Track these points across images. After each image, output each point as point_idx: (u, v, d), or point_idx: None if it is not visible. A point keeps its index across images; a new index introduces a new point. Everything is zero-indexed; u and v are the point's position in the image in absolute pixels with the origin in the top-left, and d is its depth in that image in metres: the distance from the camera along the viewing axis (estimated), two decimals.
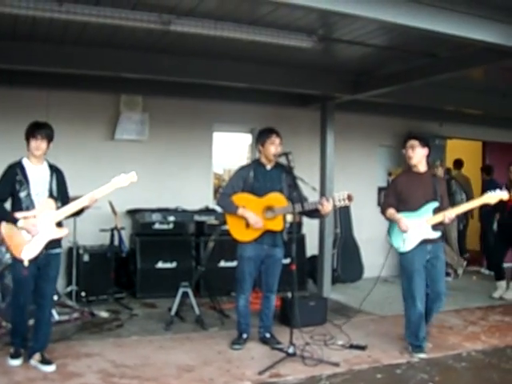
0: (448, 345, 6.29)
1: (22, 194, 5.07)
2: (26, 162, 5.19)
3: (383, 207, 6.10)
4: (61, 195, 5.33)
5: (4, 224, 5.05)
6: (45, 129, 5.24)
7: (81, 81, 7.68)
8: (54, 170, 5.35)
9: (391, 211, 5.96)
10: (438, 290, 5.95)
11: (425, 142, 5.95)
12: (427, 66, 7.00)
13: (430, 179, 5.99)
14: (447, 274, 10.24)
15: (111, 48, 6.77)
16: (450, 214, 5.79)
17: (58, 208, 5.21)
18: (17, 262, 5.07)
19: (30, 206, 5.09)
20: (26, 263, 5.01)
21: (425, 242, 5.85)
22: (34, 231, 5.04)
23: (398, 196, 6.00)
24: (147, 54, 6.96)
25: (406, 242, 5.87)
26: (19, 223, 4.97)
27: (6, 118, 7.90)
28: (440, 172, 10.26)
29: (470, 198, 9.84)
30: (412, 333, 5.94)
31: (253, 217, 5.85)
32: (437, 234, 5.88)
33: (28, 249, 5.05)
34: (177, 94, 8.63)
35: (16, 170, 5.10)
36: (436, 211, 5.85)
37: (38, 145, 5.17)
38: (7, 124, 7.86)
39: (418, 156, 5.94)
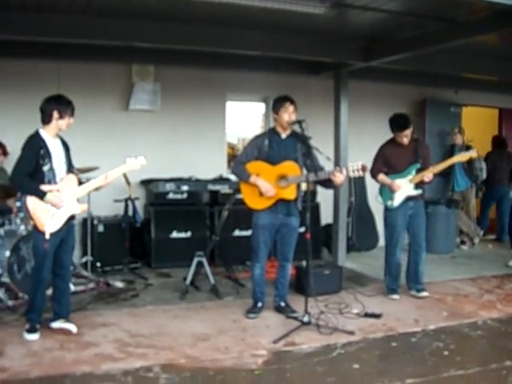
0: (463, 313, 6.29)
1: (45, 168, 5.03)
2: (44, 135, 5.10)
3: (374, 172, 6.98)
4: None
5: (29, 197, 5.04)
6: (72, 105, 5.23)
7: (92, 51, 7.63)
8: (65, 143, 5.34)
9: (382, 176, 6.92)
10: (419, 241, 6.88)
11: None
12: (443, 32, 6.84)
13: (411, 145, 6.88)
14: (462, 243, 10.22)
15: (121, 17, 6.67)
16: (428, 173, 6.65)
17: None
18: (40, 236, 5.05)
19: (52, 179, 5.08)
20: (47, 236, 5.03)
21: (408, 199, 6.77)
22: (60, 205, 5.07)
23: (385, 161, 6.95)
24: (158, 23, 6.86)
25: (394, 200, 6.82)
26: (47, 197, 4.98)
27: (18, 90, 7.90)
28: (459, 139, 10.16)
29: None
30: (392, 277, 6.94)
31: (264, 185, 5.83)
32: (418, 192, 6.79)
33: (51, 222, 5.08)
34: (189, 63, 8.56)
35: (40, 144, 5.03)
36: (418, 171, 6.75)
37: (71, 123, 5.20)
38: (19, 96, 7.86)
39: None
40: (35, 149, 5.00)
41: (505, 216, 10.46)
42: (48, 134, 5.11)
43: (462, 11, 6.24)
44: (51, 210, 5.06)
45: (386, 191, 6.89)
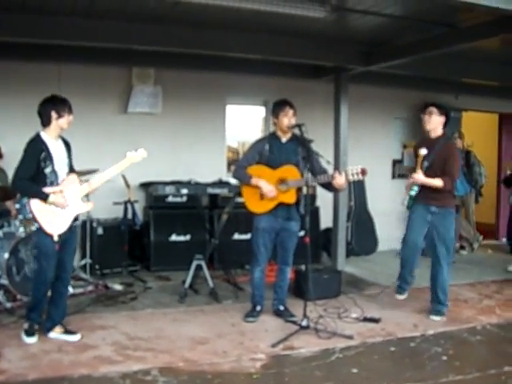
0: (462, 318, 6.27)
1: (47, 170, 5.01)
2: (45, 137, 5.08)
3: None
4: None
5: (32, 200, 5.02)
6: (69, 102, 5.20)
7: (92, 54, 7.63)
8: (67, 144, 5.32)
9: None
10: (436, 254, 6.16)
11: (443, 111, 6.22)
12: (443, 37, 6.85)
13: (438, 144, 6.14)
14: (462, 248, 10.21)
15: (122, 20, 6.68)
16: (416, 176, 6.02)
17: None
18: (46, 237, 5.04)
19: (55, 181, 5.07)
20: (55, 238, 5.02)
21: (429, 203, 6.09)
22: (64, 205, 5.06)
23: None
24: (158, 26, 6.87)
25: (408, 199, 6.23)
26: (50, 198, 4.97)
27: (18, 92, 7.89)
28: (459, 144, 10.16)
29: None
30: (400, 271, 6.49)
31: (266, 185, 5.83)
32: (413, 193, 6.12)
33: (58, 223, 5.07)
34: (189, 67, 8.56)
35: (41, 147, 5.00)
36: (427, 170, 6.06)
37: (71, 120, 5.16)
38: (19, 98, 7.85)
39: (434, 123, 6.19)
40: (36, 152, 4.98)
41: None
42: (49, 136, 5.09)
43: (463, 16, 6.25)
44: (56, 212, 5.06)
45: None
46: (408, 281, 6.53)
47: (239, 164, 6.16)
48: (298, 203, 5.97)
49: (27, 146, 5.02)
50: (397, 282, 6.65)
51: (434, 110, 6.18)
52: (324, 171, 5.92)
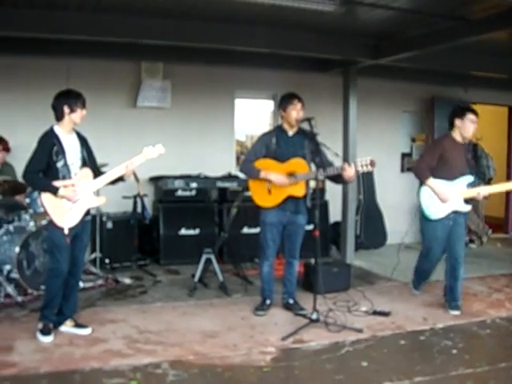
0: (472, 312, 6.26)
1: (59, 164, 5.01)
2: (59, 131, 5.07)
3: (423, 171, 6.03)
4: (91, 163, 5.32)
5: (44, 194, 5.04)
6: (82, 97, 5.19)
7: (101, 48, 7.65)
8: (83, 139, 5.31)
9: (433, 181, 5.98)
10: (456, 255, 6.16)
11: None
12: (452, 30, 6.81)
13: (465, 149, 6.16)
14: (471, 241, 10.19)
15: (131, 14, 6.68)
16: (483, 192, 6.00)
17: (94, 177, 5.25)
18: (57, 230, 5.04)
19: (67, 175, 5.06)
20: (66, 231, 5.02)
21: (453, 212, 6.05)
22: (75, 198, 5.06)
23: (441, 159, 6.01)
24: (167, 20, 6.88)
25: (437, 211, 6.04)
26: (59, 192, 4.97)
27: (27, 87, 7.93)
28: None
29: None
30: (418, 278, 6.69)
31: (277, 176, 5.81)
32: (467, 208, 6.12)
33: (69, 217, 5.07)
34: (198, 61, 8.59)
35: (53, 141, 5.00)
36: (470, 186, 6.05)
37: (84, 114, 5.15)
38: (28, 93, 7.89)
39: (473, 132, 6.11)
40: (47, 146, 4.98)
41: None
42: (62, 130, 5.09)
43: (472, 9, 6.22)
44: (67, 205, 5.05)
45: (429, 196, 6.03)
46: (426, 280, 6.77)
47: (246, 158, 6.14)
48: (304, 196, 5.98)
49: (39, 140, 5.03)
50: (414, 278, 6.82)
51: (476, 119, 6.06)
52: (331, 164, 5.91)
